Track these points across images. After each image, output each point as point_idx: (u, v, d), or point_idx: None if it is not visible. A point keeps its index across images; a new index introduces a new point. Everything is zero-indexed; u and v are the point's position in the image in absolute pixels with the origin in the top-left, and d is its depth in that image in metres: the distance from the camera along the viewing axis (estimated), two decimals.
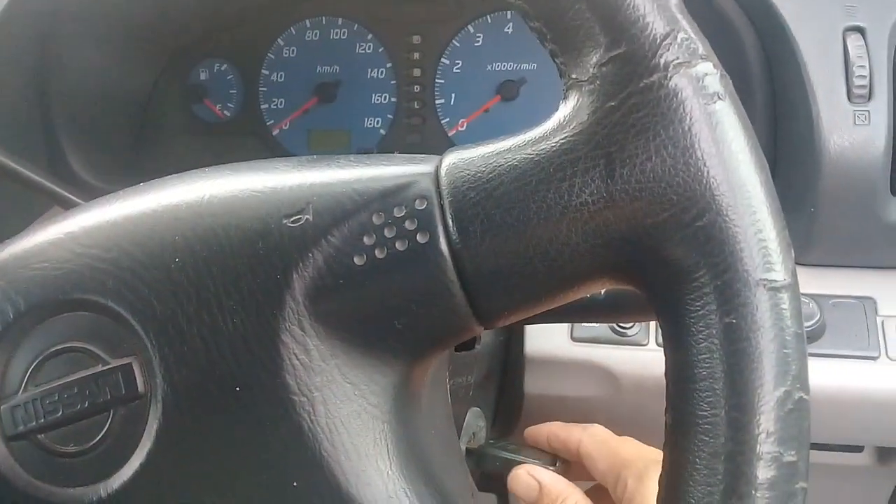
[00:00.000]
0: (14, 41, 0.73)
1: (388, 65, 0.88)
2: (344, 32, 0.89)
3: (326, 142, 0.91)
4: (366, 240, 0.28)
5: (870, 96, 0.52)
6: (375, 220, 0.29)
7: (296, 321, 0.28)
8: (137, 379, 0.29)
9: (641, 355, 0.58)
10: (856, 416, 0.56)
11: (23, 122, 0.77)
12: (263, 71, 0.91)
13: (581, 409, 0.59)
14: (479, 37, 0.86)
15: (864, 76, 0.52)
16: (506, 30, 0.85)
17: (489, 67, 0.86)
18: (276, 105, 0.91)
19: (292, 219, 0.29)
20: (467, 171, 0.28)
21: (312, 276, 0.29)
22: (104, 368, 0.29)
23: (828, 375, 0.56)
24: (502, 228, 0.27)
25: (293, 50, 0.90)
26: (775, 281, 0.24)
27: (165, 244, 0.30)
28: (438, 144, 0.88)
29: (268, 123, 0.92)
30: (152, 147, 0.91)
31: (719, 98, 0.26)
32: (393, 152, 0.88)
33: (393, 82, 0.88)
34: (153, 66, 0.90)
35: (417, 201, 0.28)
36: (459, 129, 0.87)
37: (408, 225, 0.28)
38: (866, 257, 0.59)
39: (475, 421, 0.53)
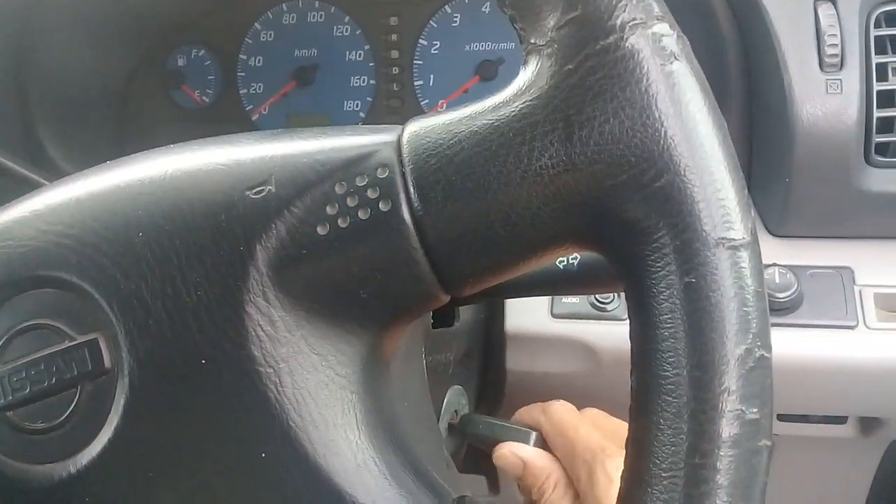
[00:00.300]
0: None
1: (366, 47, 0.88)
2: (321, 15, 0.88)
3: (306, 126, 0.90)
4: (328, 209, 0.28)
5: (841, 65, 0.52)
6: (338, 189, 0.28)
7: (260, 292, 0.28)
8: (104, 354, 0.29)
9: (621, 330, 0.57)
10: (836, 386, 0.57)
11: (0, 112, 0.77)
12: (241, 56, 0.90)
13: (563, 385, 0.59)
14: (456, 17, 0.85)
15: (835, 45, 0.52)
16: (483, 9, 0.85)
17: (467, 48, 0.85)
18: (255, 90, 0.91)
19: (255, 190, 0.29)
20: (428, 139, 0.28)
21: (276, 247, 0.28)
22: (70, 344, 0.29)
23: (806, 346, 0.57)
24: (463, 194, 0.27)
25: (270, 34, 0.90)
26: (734, 240, 0.24)
27: (129, 219, 0.30)
28: None
29: (247, 108, 0.91)
30: (132, 135, 0.90)
31: (676, 58, 0.25)
32: None
33: (371, 64, 0.88)
34: (131, 53, 0.89)
35: (379, 170, 0.28)
36: (439, 110, 0.87)
37: (370, 194, 0.28)
38: (843, 227, 0.59)
39: (457, 399, 0.53)
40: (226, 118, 0.92)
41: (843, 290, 0.56)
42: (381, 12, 0.86)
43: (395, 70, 0.87)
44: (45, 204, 0.32)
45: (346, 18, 0.88)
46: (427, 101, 0.87)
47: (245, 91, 0.91)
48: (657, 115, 0.25)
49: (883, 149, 0.55)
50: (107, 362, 0.29)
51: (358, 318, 0.29)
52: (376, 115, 0.88)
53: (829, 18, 0.52)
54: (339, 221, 0.28)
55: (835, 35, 0.52)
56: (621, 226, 0.26)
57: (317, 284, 0.29)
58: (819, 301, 0.56)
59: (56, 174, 0.76)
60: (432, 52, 0.86)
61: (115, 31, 0.85)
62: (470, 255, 0.28)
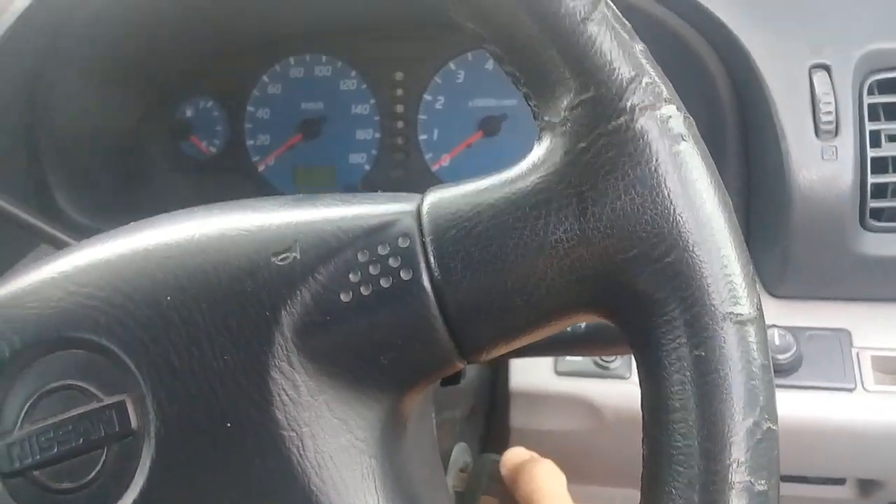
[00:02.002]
0: (3, 80, 0.74)
1: (372, 101, 0.90)
2: (328, 69, 0.90)
3: (312, 178, 0.92)
4: (351, 277, 0.29)
5: (836, 132, 0.54)
6: (360, 257, 0.29)
7: (284, 357, 0.29)
8: (131, 416, 0.29)
9: (623, 388, 0.58)
10: (835, 447, 0.57)
11: (10, 160, 0.78)
12: (249, 108, 0.92)
13: (566, 443, 0.60)
14: (460, 73, 0.88)
15: (830, 112, 0.54)
16: (486, 66, 0.87)
17: (470, 103, 0.88)
18: (262, 141, 0.93)
19: (280, 256, 0.30)
20: (448, 210, 0.29)
21: (300, 313, 0.29)
22: (98, 406, 0.30)
23: (806, 407, 0.57)
24: (481, 265, 0.28)
25: (278, 87, 0.92)
26: (741, 314, 0.26)
27: (156, 282, 0.31)
28: (422, 179, 0.89)
29: (253, 160, 0.93)
30: (139, 184, 0.91)
31: (683, 139, 0.27)
32: (377, 189, 0.90)
33: (377, 118, 0.90)
34: (139, 103, 0.91)
35: (400, 239, 0.29)
36: (443, 164, 0.89)
37: (391, 262, 0.29)
38: (840, 289, 0.60)
39: (461, 456, 0.53)
40: (232, 169, 0.93)
41: (842, 352, 0.57)
42: (387, 67, 0.89)
43: (400, 124, 0.89)
44: (72, 265, 0.33)
45: (353, 73, 0.90)
46: (431, 154, 0.89)
47: (252, 142, 0.93)
48: (666, 194, 0.26)
49: (877, 213, 0.56)
50: (134, 424, 0.29)
51: (378, 383, 0.30)
52: (381, 168, 0.90)
53: (824, 86, 0.54)
54: (362, 289, 0.29)
55: (830, 103, 0.54)
56: (633, 298, 0.27)
57: (339, 350, 0.29)
58: (818, 363, 0.57)
59: (64, 223, 0.77)
60: (436, 107, 0.88)
61: (124, 81, 0.87)
62: (487, 324, 0.29)
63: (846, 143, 0.54)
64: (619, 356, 0.59)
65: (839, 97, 0.54)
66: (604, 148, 0.27)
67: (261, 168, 0.93)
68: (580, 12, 0.27)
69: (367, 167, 0.91)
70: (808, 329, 0.59)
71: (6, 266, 0.79)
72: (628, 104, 0.27)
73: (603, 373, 0.59)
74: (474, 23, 0.29)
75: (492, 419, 0.61)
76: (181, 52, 0.89)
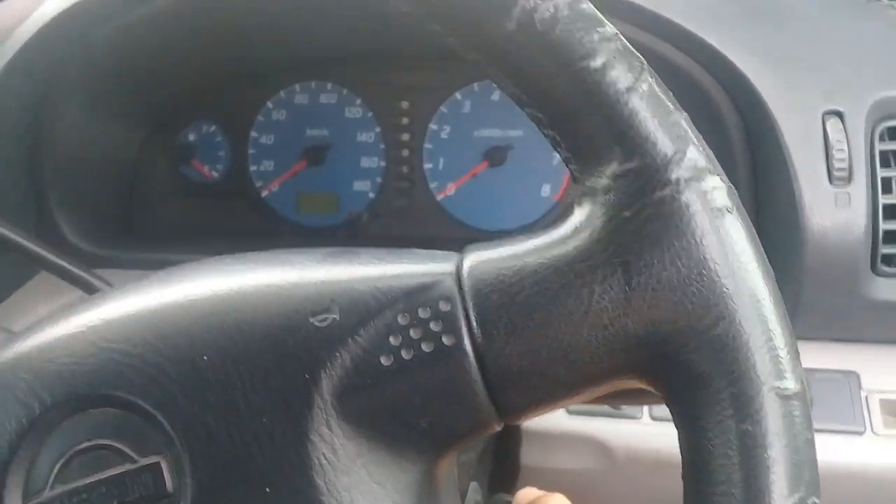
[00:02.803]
0: (8, 106, 0.73)
1: (377, 129, 0.90)
2: (333, 97, 0.90)
3: (315, 204, 0.92)
4: (392, 340, 0.29)
5: (849, 179, 0.55)
6: (401, 320, 0.29)
7: (324, 420, 0.29)
8: (166, 478, 0.29)
9: (635, 428, 0.58)
10: (844, 491, 0.58)
11: (12, 186, 0.77)
12: (252, 133, 0.92)
13: (577, 482, 0.60)
14: (466, 103, 0.88)
15: (843, 159, 0.54)
16: (492, 97, 0.87)
17: (476, 133, 0.88)
18: (265, 167, 0.92)
19: (319, 317, 0.30)
20: (489, 274, 0.29)
21: (340, 376, 0.29)
22: (132, 467, 0.29)
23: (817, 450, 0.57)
24: (525, 332, 0.28)
25: (282, 113, 0.91)
26: (787, 389, 0.26)
27: (192, 340, 0.30)
28: (427, 208, 0.89)
29: (257, 185, 0.93)
30: (141, 209, 0.91)
31: (728, 211, 0.27)
32: (382, 217, 0.90)
33: (382, 146, 0.90)
34: (141, 128, 0.90)
35: (441, 303, 0.29)
36: (448, 193, 0.89)
37: (433, 326, 0.29)
38: (849, 332, 0.60)
39: (473, 496, 0.53)
40: (234, 194, 0.93)
41: (850, 395, 0.58)
42: (392, 96, 0.89)
43: (406, 152, 0.89)
44: (103, 318, 0.32)
45: (358, 101, 0.90)
46: (436, 183, 0.89)
47: (255, 168, 0.92)
48: (712, 267, 0.26)
49: (889, 259, 0.57)
50: (169, 486, 0.29)
51: (416, 446, 0.30)
52: (385, 196, 0.90)
53: (837, 133, 0.55)
54: (403, 353, 0.29)
55: (843, 150, 0.54)
56: (677, 369, 0.27)
57: (379, 413, 0.29)
58: (827, 405, 0.57)
59: (65, 250, 0.76)
60: (442, 136, 0.88)
61: (127, 106, 0.87)
62: (528, 389, 0.29)
63: (859, 189, 0.55)
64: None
65: (852, 144, 0.55)
66: (649, 218, 0.27)
67: (264, 193, 0.93)
68: (625, 82, 0.27)
69: (371, 195, 0.91)
70: (817, 370, 0.59)
71: (6, 293, 0.79)
72: (673, 176, 0.27)
73: (614, 413, 0.59)
74: (517, 87, 0.29)
75: (502, 457, 0.61)
76: (185, 78, 0.89)
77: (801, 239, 0.55)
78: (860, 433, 0.57)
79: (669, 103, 0.28)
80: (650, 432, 0.58)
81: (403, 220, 0.90)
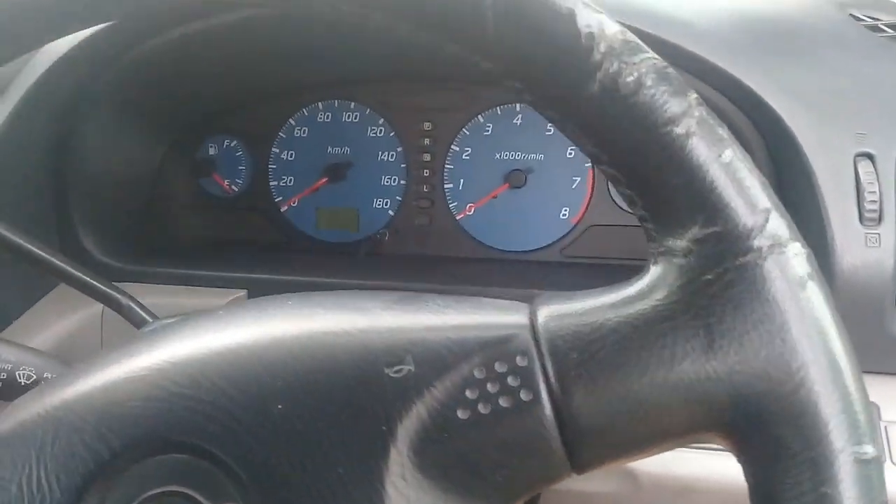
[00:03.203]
0: (38, 119, 0.73)
1: (399, 149, 0.90)
2: (356, 116, 0.91)
3: (334, 220, 0.92)
4: (468, 393, 0.30)
5: (880, 220, 0.56)
6: (477, 374, 0.30)
7: (399, 472, 0.29)
8: None
9: (662, 454, 0.59)
10: None
11: (37, 200, 0.77)
12: (274, 149, 0.92)
13: None
14: (488, 126, 0.88)
15: (874, 201, 0.55)
16: (515, 121, 0.88)
17: (497, 156, 0.88)
18: (286, 182, 0.93)
19: (393, 368, 0.30)
20: (566, 330, 0.30)
21: (416, 429, 0.30)
22: None
23: None
24: (605, 391, 0.29)
25: (304, 130, 0.92)
26: (865, 454, 0.26)
27: (264, 388, 0.31)
28: (446, 227, 0.90)
29: (276, 200, 0.93)
30: (161, 223, 0.91)
31: (809, 279, 0.28)
32: (397, 231, 0.90)
33: (403, 165, 0.90)
34: (164, 141, 0.90)
35: (519, 357, 0.30)
36: (467, 213, 0.90)
37: (510, 381, 0.30)
38: (870, 364, 0.61)
39: None
40: (254, 208, 0.93)
41: None
42: (415, 117, 0.89)
43: (426, 172, 0.90)
44: (167, 361, 0.32)
45: (381, 120, 0.90)
46: (455, 203, 0.90)
47: (276, 183, 0.93)
48: (794, 334, 0.27)
49: None
50: None
51: (488, 497, 0.30)
52: (405, 214, 0.90)
53: (868, 175, 0.56)
54: (480, 407, 0.29)
55: (874, 192, 0.55)
56: (756, 431, 0.28)
57: (454, 466, 0.30)
58: None
59: (86, 263, 0.76)
60: (463, 157, 0.89)
61: (151, 120, 0.87)
62: (604, 444, 0.30)
63: (889, 230, 0.56)
64: None
65: (882, 185, 0.56)
66: (731, 283, 0.28)
67: (283, 208, 0.93)
68: (709, 149, 0.28)
69: (391, 213, 0.91)
70: None
71: (25, 307, 0.78)
72: (756, 243, 0.28)
73: None
74: (595, 146, 0.30)
75: None
76: (209, 94, 0.89)
77: (830, 277, 0.56)
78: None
79: (752, 170, 0.28)
80: (677, 458, 0.58)
81: (422, 238, 0.90)
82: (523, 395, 0.29)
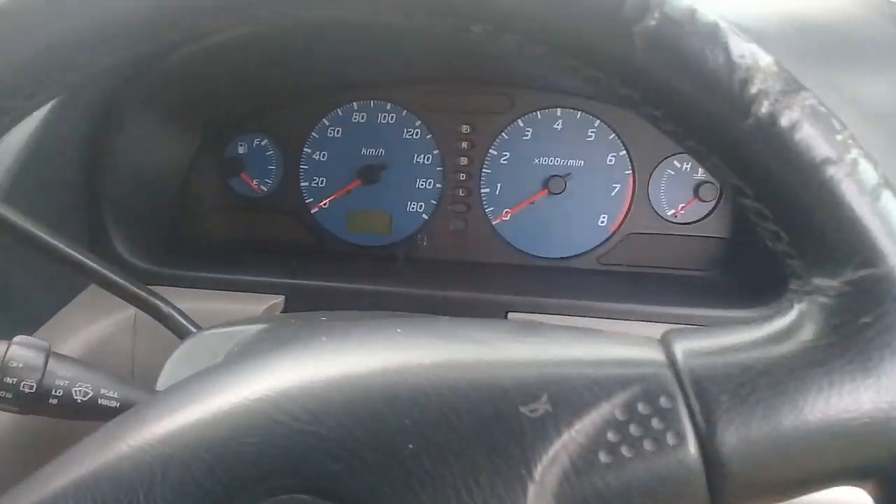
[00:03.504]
0: (70, 122, 0.71)
1: (435, 151, 0.89)
2: (392, 117, 0.89)
3: (366, 223, 0.90)
4: (610, 436, 0.28)
5: None
6: (619, 415, 0.28)
7: None
8: None
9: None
10: None
11: (70, 201, 0.75)
12: (306, 149, 0.90)
13: None
14: (528, 131, 0.87)
15: None
16: (555, 126, 0.87)
17: (536, 161, 0.87)
18: (318, 184, 0.91)
19: (529, 407, 0.29)
20: (712, 370, 0.28)
21: (557, 473, 0.28)
22: None
23: None
24: (757, 437, 0.28)
25: (338, 130, 0.90)
26: None
27: (392, 427, 0.29)
28: (481, 233, 0.88)
29: (307, 202, 0.91)
30: (190, 224, 0.89)
31: None
32: (431, 235, 0.89)
33: (439, 169, 0.89)
34: (194, 140, 0.88)
35: (663, 399, 0.28)
36: (503, 219, 0.88)
37: (654, 424, 0.28)
38: None
39: None
40: (284, 209, 0.91)
41: None
42: (453, 119, 0.88)
43: (463, 176, 0.88)
44: (281, 392, 0.31)
45: (418, 122, 0.89)
46: (492, 208, 0.88)
47: (307, 184, 0.91)
48: None
49: None
50: None
51: None
52: (439, 219, 0.89)
53: None
54: (624, 451, 0.28)
55: None
56: None
57: None
58: None
59: (116, 262, 0.74)
60: (501, 161, 0.88)
61: (183, 120, 0.85)
62: (750, 490, 0.28)
63: None
64: None
65: None
66: (889, 327, 0.27)
67: (314, 210, 0.91)
68: (866, 190, 0.27)
69: (424, 216, 0.89)
70: None
71: (57, 308, 0.76)
72: None
73: None
74: (742, 180, 0.29)
75: None
76: (243, 93, 0.87)
77: None
78: None
79: None
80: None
81: (457, 243, 0.89)
82: (669, 439, 0.28)
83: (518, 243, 0.88)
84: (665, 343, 0.30)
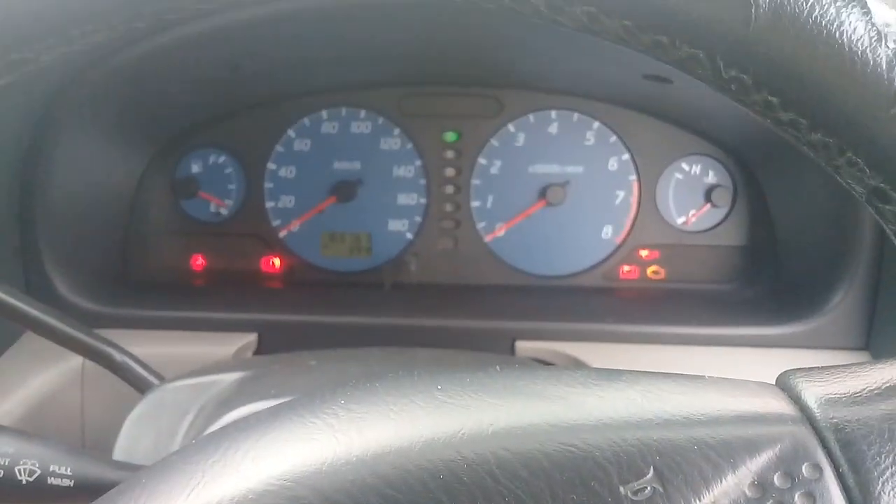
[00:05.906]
0: (3, 126, 0.60)
1: (418, 162, 0.80)
2: (367, 126, 0.80)
3: (342, 246, 0.81)
4: None
5: None
6: (750, 492, 0.22)
7: None
8: None
9: None
10: None
11: (1, 234, 0.64)
12: (270, 165, 0.80)
13: None
14: (520, 136, 0.79)
15: None
16: (549, 130, 0.78)
17: (531, 169, 0.79)
18: (285, 203, 0.81)
19: (633, 487, 0.22)
20: (862, 430, 0.23)
21: None
22: None
23: None
24: None
25: (307, 143, 0.80)
26: None
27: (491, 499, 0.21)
28: (473, 251, 0.79)
29: (273, 224, 0.81)
30: (140, 253, 0.77)
31: None
32: (418, 256, 0.79)
33: (422, 182, 0.80)
34: (142, 157, 0.77)
35: (806, 468, 0.22)
36: (497, 234, 0.79)
37: (799, 501, 0.22)
38: None
39: None
40: (247, 234, 0.81)
41: None
42: (436, 126, 0.79)
43: (450, 189, 0.79)
44: (370, 452, 0.23)
45: (396, 131, 0.79)
46: (484, 224, 0.79)
47: (273, 204, 0.81)
48: None
49: None
50: None
51: None
52: (426, 238, 0.80)
53: None
54: None
55: None
56: None
57: None
58: None
59: (59, 306, 0.63)
60: (492, 171, 0.79)
61: (129, 132, 0.74)
62: None
63: None
64: None
65: None
66: None
67: (282, 233, 0.81)
68: None
69: (409, 235, 0.80)
70: None
71: None
72: None
73: None
74: (882, 174, 0.24)
75: None
76: (195, 101, 0.76)
77: None
78: None
79: None
80: None
81: (447, 264, 0.80)
82: None
83: (514, 261, 0.80)
84: (787, 388, 0.25)
